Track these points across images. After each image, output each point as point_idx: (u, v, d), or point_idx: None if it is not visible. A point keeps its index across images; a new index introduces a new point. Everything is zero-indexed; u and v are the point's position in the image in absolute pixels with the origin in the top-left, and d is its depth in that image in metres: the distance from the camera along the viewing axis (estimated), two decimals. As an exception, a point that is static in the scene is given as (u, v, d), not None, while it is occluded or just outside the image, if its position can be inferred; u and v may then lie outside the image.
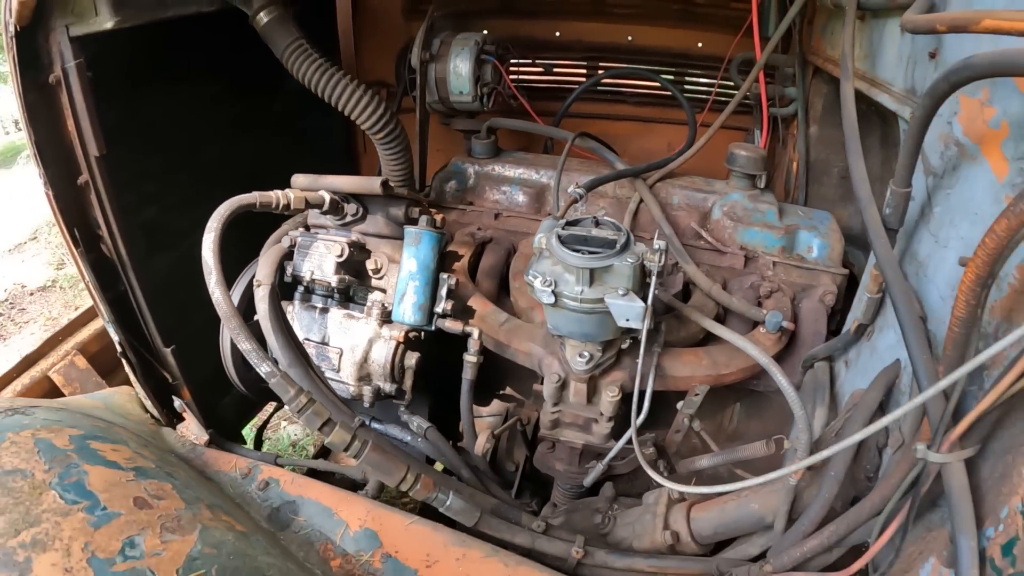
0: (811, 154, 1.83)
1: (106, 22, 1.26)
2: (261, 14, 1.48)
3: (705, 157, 1.81)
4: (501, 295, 1.78)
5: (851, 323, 1.20)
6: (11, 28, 1.20)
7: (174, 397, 1.65)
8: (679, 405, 1.47)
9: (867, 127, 1.80)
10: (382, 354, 1.48)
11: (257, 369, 1.14)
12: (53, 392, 1.94)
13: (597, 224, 1.29)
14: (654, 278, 1.21)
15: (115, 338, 1.57)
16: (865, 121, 1.80)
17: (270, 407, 2.21)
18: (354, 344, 1.48)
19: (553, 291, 1.22)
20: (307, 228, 1.63)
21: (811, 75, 1.76)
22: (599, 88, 2.19)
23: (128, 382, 1.80)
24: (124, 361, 1.59)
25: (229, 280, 1.27)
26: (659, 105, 2.18)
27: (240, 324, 1.13)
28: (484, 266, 1.79)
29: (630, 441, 1.35)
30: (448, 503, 1.19)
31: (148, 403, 1.65)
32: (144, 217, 1.59)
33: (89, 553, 0.77)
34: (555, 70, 2.17)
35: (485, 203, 1.87)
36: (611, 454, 1.40)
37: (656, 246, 1.22)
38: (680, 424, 1.46)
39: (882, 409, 1.01)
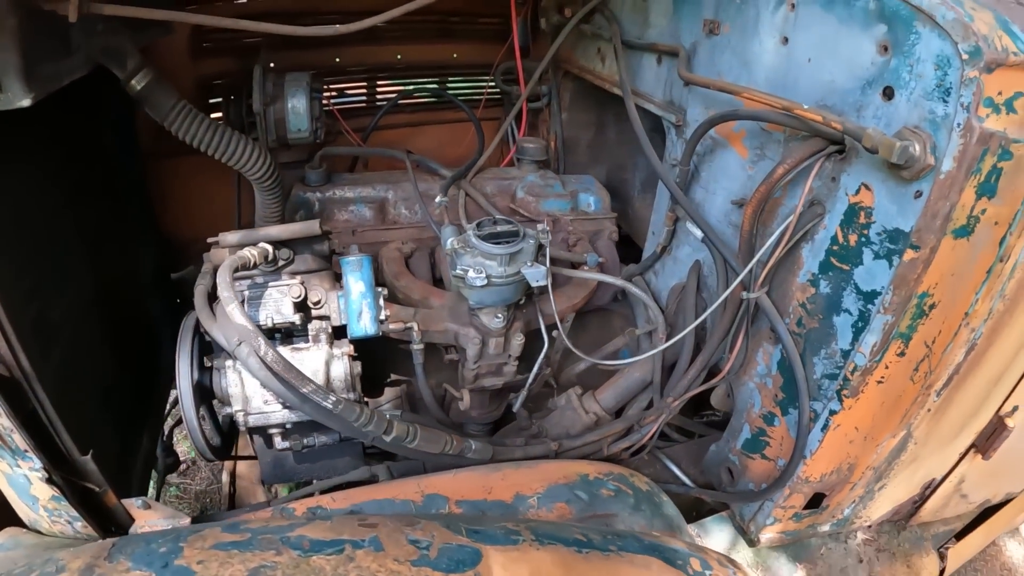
0: (565, 133, 2.68)
1: (19, 100, 1.22)
2: (136, 78, 1.54)
3: (440, 141, 2.51)
4: (382, 296, 2.20)
5: (656, 247, 2.06)
6: None
7: (127, 501, 1.64)
8: (554, 334, 2.19)
9: (605, 108, 2.74)
10: (340, 370, 1.80)
11: (321, 403, 1.45)
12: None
13: (495, 223, 1.88)
14: (547, 249, 1.87)
15: (29, 468, 1.49)
16: (605, 106, 2.74)
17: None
18: (314, 370, 1.76)
19: (485, 276, 1.79)
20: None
21: (560, 75, 2.58)
22: (378, 102, 2.65)
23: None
24: (53, 487, 1.52)
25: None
26: (427, 110, 2.75)
27: (299, 374, 1.42)
28: (361, 276, 2.18)
29: (542, 364, 2.04)
30: (473, 447, 1.70)
31: (78, 524, 1.60)
32: (29, 317, 1.53)
33: (404, 562, 1.01)
34: (346, 92, 2.54)
35: (337, 224, 2.22)
36: (532, 376, 2.04)
37: (540, 228, 1.88)
38: (559, 345, 2.19)
39: (698, 288, 1.89)
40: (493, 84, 2.70)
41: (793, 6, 1.44)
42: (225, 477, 2.56)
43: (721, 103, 1.70)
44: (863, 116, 1.32)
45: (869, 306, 1.39)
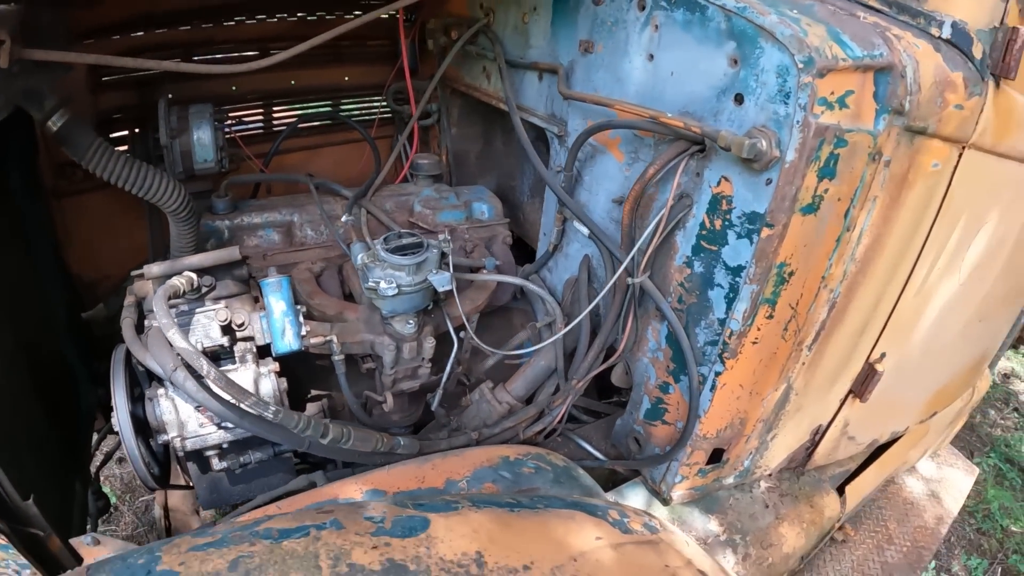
0: (455, 147, 2.88)
1: None
2: (54, 118, 1.56)
3: (336, 161, 2.70)
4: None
5: (548, 246, 2.31)
6: None
7: (75, 540, 1.64)
8: (461, 334, 2.37)
9: (492, 122, 2.96)
10: (269, 387, 1.89)
11: (262, 414, 1.56)
12: None
13: (400, 236, 2.05)
14: (450, 256, 2.05)
15: None
16: (492, 120, 2.96)
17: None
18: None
19: (396, 286, 1.96)
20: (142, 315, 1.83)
21: (449, 93, 2.78)
22: (275, 128, 2.74)
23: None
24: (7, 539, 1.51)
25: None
26: (322, 133, 2.87)
27: (240, 389, 1.52)
28: (275, 297, 2.27)
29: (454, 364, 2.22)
30: (402, 444, 1.85)
31: (26, 572, 1.60)
32: None
33: (364, 534, 1.15)
34: (244, 119, 2.62)
35: (248, 249, 2.28)
36: (445, 375, 2.22)
37: (441, 238, 2.06)
38: (467, 345, 2.38)
39: (589, 280, 2.15)
40: (384, 104, 2.87)
41: (657, 27, 1.70)
42: (158, 511, 2.53)
43: (598, 114, 1.96)
44: (719, 120, 1.57)
45: (737, 279, 1.65)
